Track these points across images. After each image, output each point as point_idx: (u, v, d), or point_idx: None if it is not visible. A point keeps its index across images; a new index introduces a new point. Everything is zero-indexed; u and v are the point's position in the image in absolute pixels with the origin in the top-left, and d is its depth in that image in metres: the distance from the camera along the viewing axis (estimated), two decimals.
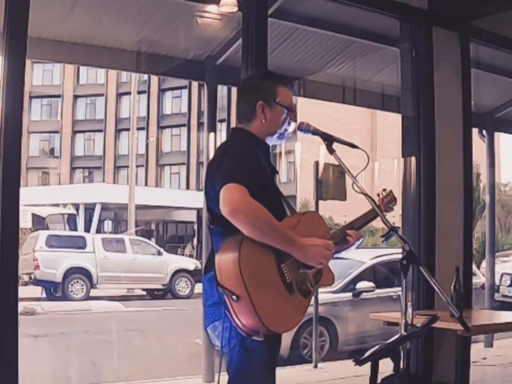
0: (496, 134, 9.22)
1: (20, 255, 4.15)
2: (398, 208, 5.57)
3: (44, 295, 15.79)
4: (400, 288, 2.72)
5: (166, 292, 17.30)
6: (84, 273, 16.16)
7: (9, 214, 3.51)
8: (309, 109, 26.22)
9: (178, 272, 17.36)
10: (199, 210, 22.41)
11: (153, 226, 31.28)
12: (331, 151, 2.80)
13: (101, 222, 27.41)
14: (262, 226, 2.46)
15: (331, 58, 6.85)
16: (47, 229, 19.79)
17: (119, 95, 35.72)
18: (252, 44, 4.51)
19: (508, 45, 5.89)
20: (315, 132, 2.82)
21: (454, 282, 4.20)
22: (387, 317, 4.47)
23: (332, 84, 7.57)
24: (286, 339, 7.31)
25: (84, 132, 36.24)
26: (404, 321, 2.63)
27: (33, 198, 21.31)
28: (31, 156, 34.01)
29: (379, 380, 2.76)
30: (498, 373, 6.25)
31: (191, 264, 17.98)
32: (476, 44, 5.77)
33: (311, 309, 7.16)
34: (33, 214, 19.92)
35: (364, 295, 8.57)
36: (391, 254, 8.70)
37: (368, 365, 2.63)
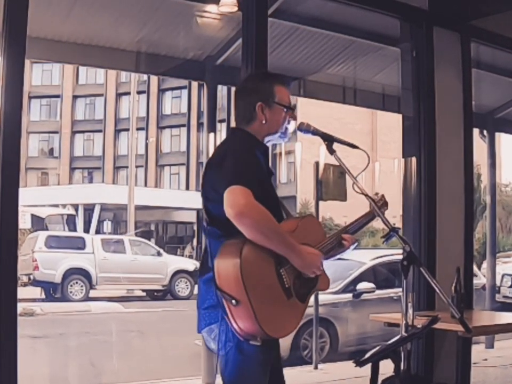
0: (497, 134, 9.22)
1: (19, 255, 4.14)
2: (398, 209, 5.59)
3: (43, 296, 15.78)
4: (400, 289, 2.71)
5: (166, 293, 17.29)
6: (83, 274, 16.14)
7: (8, 215, 3.49)
8: (309, 109, 26.21)
9: (178, 273, 17.36)
10: (198, 211, 22.45)
11: (152, 227, 31.29)
12: (331, 152, 2.80)
13: (100, 222, 27.40)
14: (266, 230, 2.46)
15: (331, 58, 6.84)
16: (46, 229, 19.78)
17: (119, 95, 35.72)
18: (251, 43, 4.49)
19: (508, 44, 5.88)
20: (315, 132, 2.82)
21: (454, 283, 4.18)
22: (387, 318, 4.46)
23: (332, 84, 7.56)
24: (286, 340, 7.29)
25: (83, 132, 36.25)
26: (404, 322, 2.62)
27: (32, 198, 21.28)
28: (30, 156, 34.02)
29: (379, 381, 2.74)
30: (499, 374, 6.23)
31: (190, 265, 17.96)
32: (476, 43, 5.76)
33: (311, 310, 7.15)
34: (32, 215, 19.90)
35: (364, 296, 8.56)
36: (392, 254, 8.69)
37: (369, 366, 2.61)
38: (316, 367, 7.06)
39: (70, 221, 23.74)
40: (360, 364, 2.55)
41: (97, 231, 25.65)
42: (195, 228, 29.48)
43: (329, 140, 2.80)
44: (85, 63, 8.95)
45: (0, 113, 3.51)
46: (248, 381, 2.57)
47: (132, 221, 23.80)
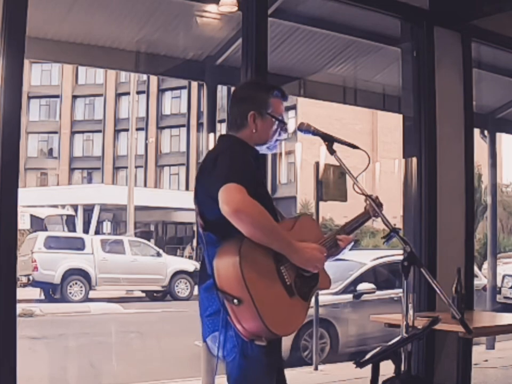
0: (498, 134, 9.23)
1: (18, 256, 4.14)
2: (399, 209, 5.58)
3: (43, 297, 15.77)
4: (401, 290, 2.72)
5: (165, 294, 17.26)
6: (83, 274, 16.12)
7: (7, 215, 3.48)
8: (309, 109, 26.25)
9: (177, 273, 17.32)
10: None
11: (152, 228, 31.27)
12: (332, 152, 2.80)
13: (99, 223, 27.38)
14: (263, 226, 2.45)
15: (332, 58, 6.84)
16: (46, 230, 19.75)
17: (118, 95, 35.69)
18: (251, 43, 4.49)
19: (509, 44, 5.88)
20: (315, 133, 2.82)
21: (455, 284, 4.18)
22: (388, 318, 4.46)
23: (332, 84, 7.57)
24: (286, 341, 7.29)
25: (82, 132, 36.22)
26: (405, 323, 2.62)
27: (31, 199, 21.26)
28: (30, 157, 34.00)
29: (380, 382, 2.74)
30: (500, 375, 6.23)
31: (190, 265, 17.93)
32: (477, 43, 5.76)
33: (311, 311, 7.15)
34: (31, 215, 19.89)
35: (365, 297, 8.54)
36: (392, 255, 8.67)
37: (369, 367, 2.61)
38: (316, 368, 7.05)
39: (69, 222, 23.72)
40: (360, 365, 2.54)
41: (97, 232, 25.62)
42: (195, 228, 29.42)
43: (329, 140, 2.80)
44: (84, 63, 8.95)
45: None
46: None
47: (132, 222, 23.79)
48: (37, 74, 33.72)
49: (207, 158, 2.70)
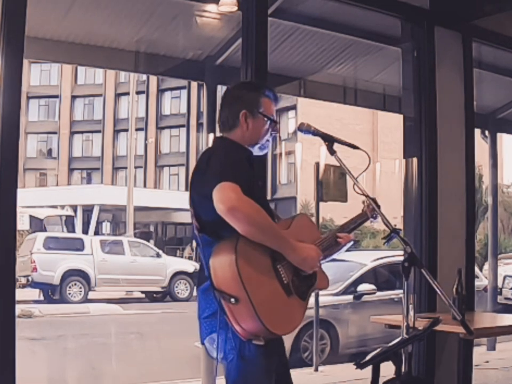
0: (498, 134, 9.24)
1: (17, 257, 4.13)
2: (399, 210, 5.57)
3: (42, 298, 15.77)
4: (401, 291, 2.71)
5: (165, 295, 17.26)
6: (82, 275, 16.11)
7: (6, 216, 3.46)
8: (309, 109, 26.27)
9: (177, 274, 17.32)
10: None
11: (152, 228, 31.26)
12: (332, 152, 2.81)
13: (99, 223, 27.38)
14: (259, 224, 2.45)
15: (332, 58, 6.84)
16: (45, 230, 19.74)
17: (118, 96, 35.70)
18: (251, 43, 4.47)
19: (510, 44, 5.86)
20: (316, 133, 2.83)
21: (456, 285, 4.18)
22: (388, 319, 4.46)
23: (332, 84, 7.57)
24: (287, 342, 7.19)
25: (81, 132, 36.22)
26: (405, 324, 2.62)
27: (30, 199, 21.25)
28: (29, 157, 34.00)
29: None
30: (501, 376, 6.24)
31: (190, 266, 17.92)
32: (478, 43, 5.75)
33: (311, 312, 7.15)
34: (30, 216, 19.87)
35: (365, 298, 8.53)
36: (393, 256, 8.66)
37: (370, 368, 2.60)
38: (316, 369, 7.06)
39: (69, 222, 23.70)
40: (361, 366, 2.53)
41: (96, 232, 25.63)
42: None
43: (329, 140, 2.81)
44: (84, 63, 8.96)
45: None
46: None
47: (131, 222, 23.78)
48: (36, 74, 33.71)
49: (201, 160, 2.71)
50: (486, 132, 8.70)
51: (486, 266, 10.18)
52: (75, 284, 15.95)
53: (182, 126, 34.95)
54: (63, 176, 35.47)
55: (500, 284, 10.85)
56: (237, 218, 2.41)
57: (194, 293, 16.57)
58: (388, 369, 2.66)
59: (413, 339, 2.63)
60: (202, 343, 2.66)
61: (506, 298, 11.49)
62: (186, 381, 6.20)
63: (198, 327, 2.66)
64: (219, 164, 2.54)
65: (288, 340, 7.28)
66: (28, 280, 15.51)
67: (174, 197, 28.32)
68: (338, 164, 2.80)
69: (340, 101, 8.32)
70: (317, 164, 7.26)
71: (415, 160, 5.31)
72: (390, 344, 2.60)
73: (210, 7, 5.62)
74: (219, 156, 2.60)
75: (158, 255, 18.12)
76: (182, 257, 25.03)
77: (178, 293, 17.21)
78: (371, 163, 2.86)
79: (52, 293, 15.83)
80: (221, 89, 6.49)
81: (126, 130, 29.51)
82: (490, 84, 7.32)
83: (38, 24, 5.44)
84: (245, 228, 2.42)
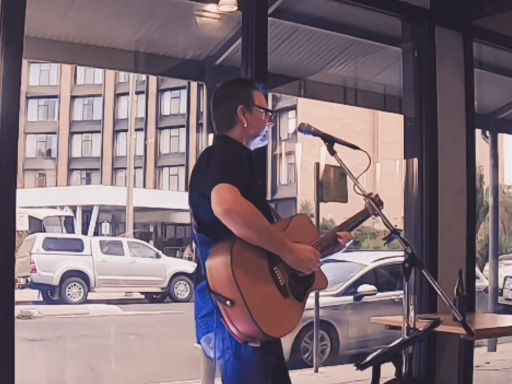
0: (499, 135, 9.24)
1: (17, 258, 4.13)
2: (400, 210, 5.56)
3: (41, 299, 15.77)
4: (402, 292, 2.71)
5: (165, 295, 17.25)
6: (81, 276, 16.11)
7: (5, 216, 3.46)
8: (309, 109, 26.28)
9: (177, 275, 17.30)
10: None
11: (151, 229, 31.26)
12: (332, 153, 2.81)
13: (98, 224, 27.39)
14: (256, 226, 2.44)
15: (332, 58, 6.84)
16: (44, 231, 19.73)
17: (117, 96, 35.71)
18: (251, 43, 4.47)
19: (511, 44, 5.86)
20: (316, 133, 2.83)
21: (456, 286, 4.18)
22: (389, 320, 4.46)
23: (333, 84, 7.58)
24: (287, 343, 7.27)
25: (81, 133, 36.23)
26: (406, 325, 2.62)
27: (29, 200, 21.22)
28: (28, 157, 34.00)
29: None
30: (502, 377, 6.23)
31: (190, 267, 17.88)
32: (479, 43, 5.75)
33: (311, 313, 7.14)
34: (29, 216, 19.87)
35: (366, 299, 8.52)
36: (393, 256, 8.66)
37: (370, 369, 2.59)
38: (316, 371, 7.04)
39: (68, 223, 23.69)
40: (361, 367, 2.53)
41: (96, 233, 25.64)
42: None
43: (330, 140, 2.81)
44: (83, 63, 8.95)
45: None
46: None
47: (131, 223, 23.78)
48: (35, 74, 33.73)
49: (201, 158, 2.70)
50: (487, 132, 8.70)
51: (487, 267, 10.18)
52: (74, 285, 15.93)
53: (182, 126, 34.95)
54: (63, 176, 35.47)
55: (500, 285, 10.84)
56: (233, 221, 2.41)
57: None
58: (388, 370, 2.65)
59: (413, 340, 2.63)
60: (199, 342, 2.66)
61: (507, 299, 11.48)
62: (185, 382, 6.20)
63: (195, 326, 2.66)
64: (218, 163, 2.54)
65: (288, 341, 7.30)
66: (27, 281, 15.51)
67: (173, 198, 28.32)
68: (338, 164, 2.81)
69: (340, 101, 8.32)
70: (317, 164, 7.25)
71: (415, 160, 5.30)
72: (391, 345, 2.59)
73: (210, 7, 5.62)
74: (218, 156, 2.60)
75: (158, 256, 18.11)
76: (181, 258, 25.02)
77: (178, 293, 17.20)
78: (371, 163, 2.86)
79: (51, 293, 15.82)
80: None
81: (126, 130, 29.52)
82: (491, 84, 7.32)
83: (37, 24, 5.44)
84: (242, 230, 2.42)
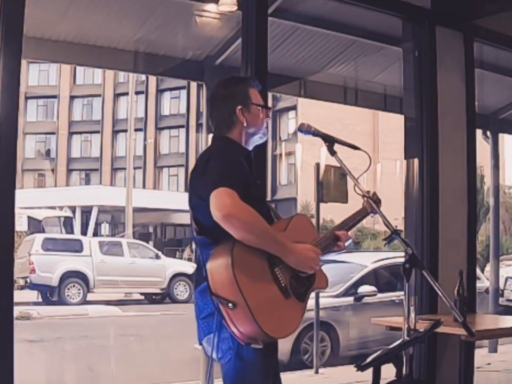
0: (500, 135, 9.25)
1: (16, 258, 4.12)
2: (400, 211, 5.54)
3: (40, 300, 15.77)
4: (402, 293, 2.71)
5: (164, 296, 17.25)
6: (81, 277, 16.10)
7: (4, 217, 3.45)
8: (309, 109, 26.29)
9: (176, 276, 17.30)
10: None
11: (151, 229, 31.26)
12: (332, 153, 2.81)
13: (98, 225, 27.40)
14: (255, 230, 2.45)
15: (332, 58, 6.83)
16: (43, 232, 19.71)
17: (117, 96, 35.72)
18: (251, 43, 4.46)
19: None
20: (316, 133, 2.83)
21: (457, 287, 4.18)
22: (389, 321, 4.46)
23: (333, 84, 7.58)
24: (287, 344, 7.29)
25: (80, 133, 36.24)
26: (406, 326, 2.62)
27: (29, 200, 21.19)
28: (27, 158, 33.99)
29: None
30: (503, 378, 6.23)
31: (189, 267, 17.86)
32: (480, 43, 5.74)
33: (312, 314, 7.14)
34: (29, 217, 19.86)
35: (366, 300, 8.52)
36: (394, 257, 8.67)
37: (370, 370, 2.59)
38: (316, 372, 7.05)
39: (67, 223, 23.70)
40: (361, 368, 2.52)
41: (95, 234, 25.65)
42: None
43: (330, 141, 2.81)
44: (82, 63, 8.94)
45: None
46: None
47: (130, 223, 23.78)
48: (34, 75, 33.75)
49: (200, 159, 2.70)
50: (488, 133, 8.70)
51: (488, 267, 10.17)
52: (74, 286, 15.92)
53: (182, 126, 34.97)
54: (62, 177, 35.48)
55: (501, 286, 10.86)
56: (233, 226, 2.41)
57: None
58: (388, 372, 2.65)
59: (414, 341, 2.62)
60: (200, 344, 2.65)
61: (508, 300, 11.49)
62: (185, 383, 6.18)
63: (196, 327, 2.66)
64: (217, 167, 2.53)
65: (288, 342, 7.29)
66: (26, 282, 15.51)
67: (173, 198, 28.32)
68: (338, 165, 2.80)
69: (340, 101, 8.32)
70: (317, 165, 7.25)
71: (416, 160, 5.29)
72: (391, 346, 2.59)
73: (210, 6, 5.61)
74: (217, 159, 2.59)
75: (157, 257, 18.11)
76: (181, 258, 25.05)
77: (177, 294, 17.19)
78: (372, 164, 2.86)
79: (50, 294, 15.81)
80: None
81: (125, 130, 29.53)
82: (492, 84, 7.31)
83: (37, 23, 5.42)
84: (241, 234, 2.42)
